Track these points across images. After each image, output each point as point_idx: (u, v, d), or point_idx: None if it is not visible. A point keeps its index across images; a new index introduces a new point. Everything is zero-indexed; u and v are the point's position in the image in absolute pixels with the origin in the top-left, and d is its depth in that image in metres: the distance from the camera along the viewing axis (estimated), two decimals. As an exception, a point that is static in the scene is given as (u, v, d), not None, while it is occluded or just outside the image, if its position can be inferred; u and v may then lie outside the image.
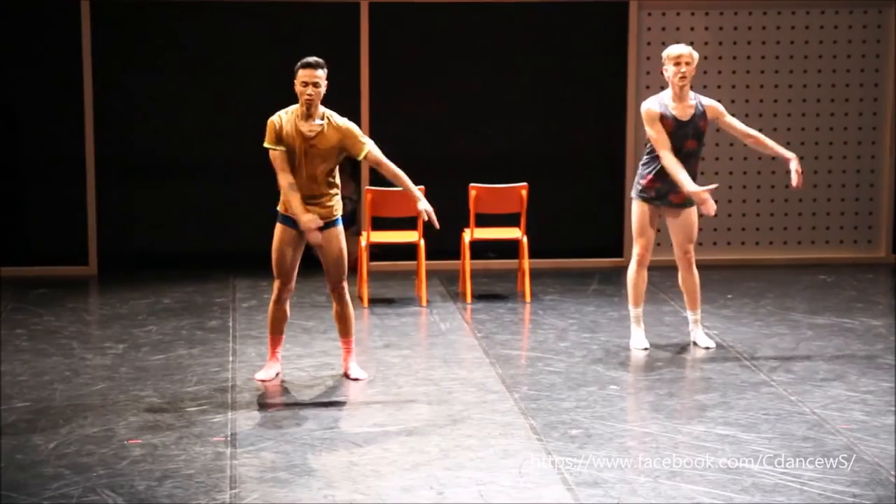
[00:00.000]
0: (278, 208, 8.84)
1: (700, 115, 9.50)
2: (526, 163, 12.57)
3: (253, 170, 12.53)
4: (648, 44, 12.72)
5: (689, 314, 9.94)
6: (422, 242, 11.29)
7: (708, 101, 9.59)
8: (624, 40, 12.69)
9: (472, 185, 11.48)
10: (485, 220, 11.57)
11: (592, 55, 12.78)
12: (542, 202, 12.20)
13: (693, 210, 9.62)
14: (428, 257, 11.51)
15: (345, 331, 9.06)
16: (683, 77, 9.40)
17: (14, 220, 12.45)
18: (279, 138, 8.64)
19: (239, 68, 12.50)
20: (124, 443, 7.76)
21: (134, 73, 12.43)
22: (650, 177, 9.55)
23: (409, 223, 11.30)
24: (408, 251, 11.96)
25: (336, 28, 12.49)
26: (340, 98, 12.37)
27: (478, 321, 10.76)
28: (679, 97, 9.47)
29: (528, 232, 11.54)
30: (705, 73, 12.76)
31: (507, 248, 12.27)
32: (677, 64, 9.41)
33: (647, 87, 12.71)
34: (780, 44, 12.84)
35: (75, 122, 12.33)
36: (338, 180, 8.84)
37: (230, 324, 10.60)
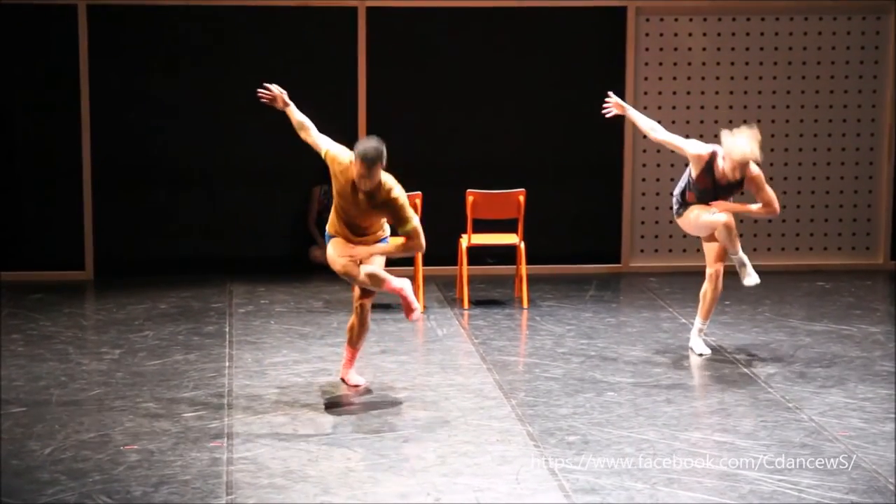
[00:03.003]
0: (328, 231, 8.80)
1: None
2: (523, 168, 12.55)
3: (250, 175, 12.56)
4: (646, 49, 12.71)
5: (697, 320, 9.90)
6: (419, 248, 11.26)
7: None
8: (622, 46, 12.67)
9: (469, 190, 11.45)
10: (482, 226, 11.55)
11: (590, 61, 12.76)
12: (539, 208, 12.17)
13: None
14: (425, 263, 11.49)
15: (356, 341, 8.98)
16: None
17: (11, 224, 12.42)
18: (336, 173, 8.58)
19: (237, 73, 12.47)
20: (120, 448, 7.74)
21: (131, 79, 12.40)
22: (690, 193, 9.67)
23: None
24: (405, 257, 11.91)
25: (333, 32, 12.47)
26: (338, 103, 12.47)
27: (475, 327, 10.74)
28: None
29: (525, 238, 11.51)
30: (703, 79, 12.75)
31: (505, 254, 12.26)
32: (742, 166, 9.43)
33: (646, 93, 12.70)
34: (779, 50, 12.83)
35: (72, 128, 12.30)
36: (386, 229, 8.86)
37: (227, 329, 10.57)
